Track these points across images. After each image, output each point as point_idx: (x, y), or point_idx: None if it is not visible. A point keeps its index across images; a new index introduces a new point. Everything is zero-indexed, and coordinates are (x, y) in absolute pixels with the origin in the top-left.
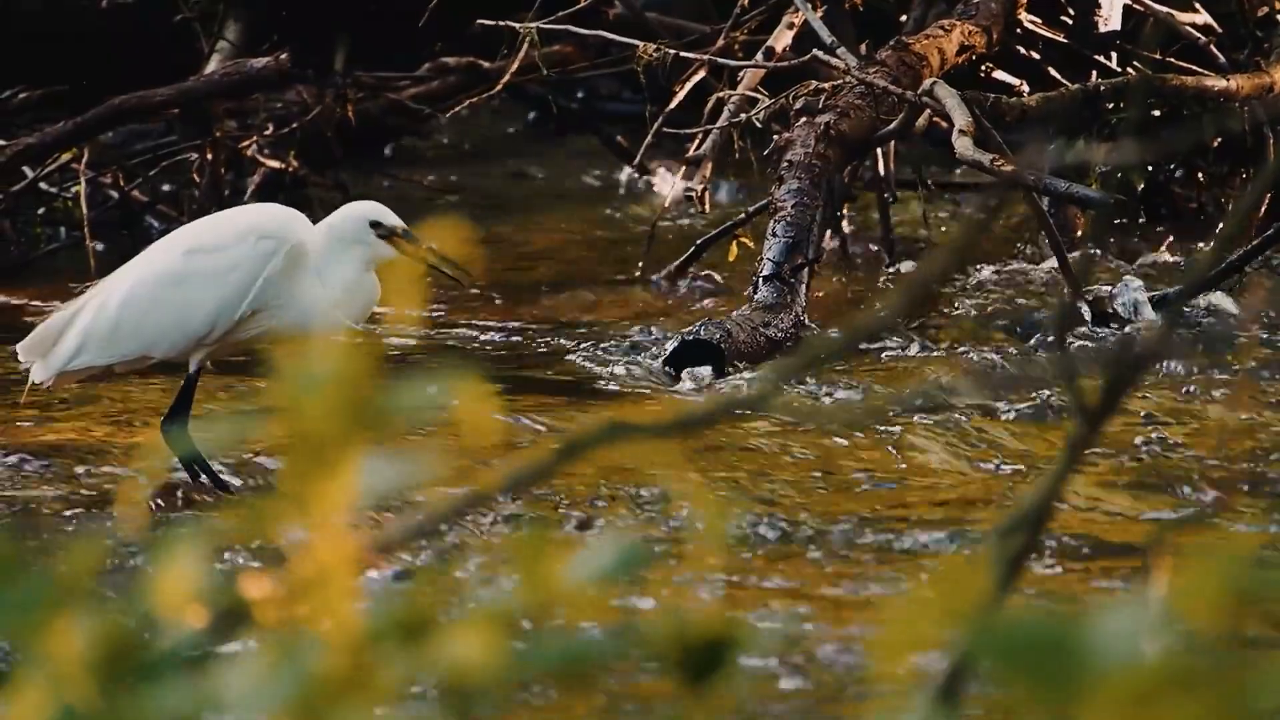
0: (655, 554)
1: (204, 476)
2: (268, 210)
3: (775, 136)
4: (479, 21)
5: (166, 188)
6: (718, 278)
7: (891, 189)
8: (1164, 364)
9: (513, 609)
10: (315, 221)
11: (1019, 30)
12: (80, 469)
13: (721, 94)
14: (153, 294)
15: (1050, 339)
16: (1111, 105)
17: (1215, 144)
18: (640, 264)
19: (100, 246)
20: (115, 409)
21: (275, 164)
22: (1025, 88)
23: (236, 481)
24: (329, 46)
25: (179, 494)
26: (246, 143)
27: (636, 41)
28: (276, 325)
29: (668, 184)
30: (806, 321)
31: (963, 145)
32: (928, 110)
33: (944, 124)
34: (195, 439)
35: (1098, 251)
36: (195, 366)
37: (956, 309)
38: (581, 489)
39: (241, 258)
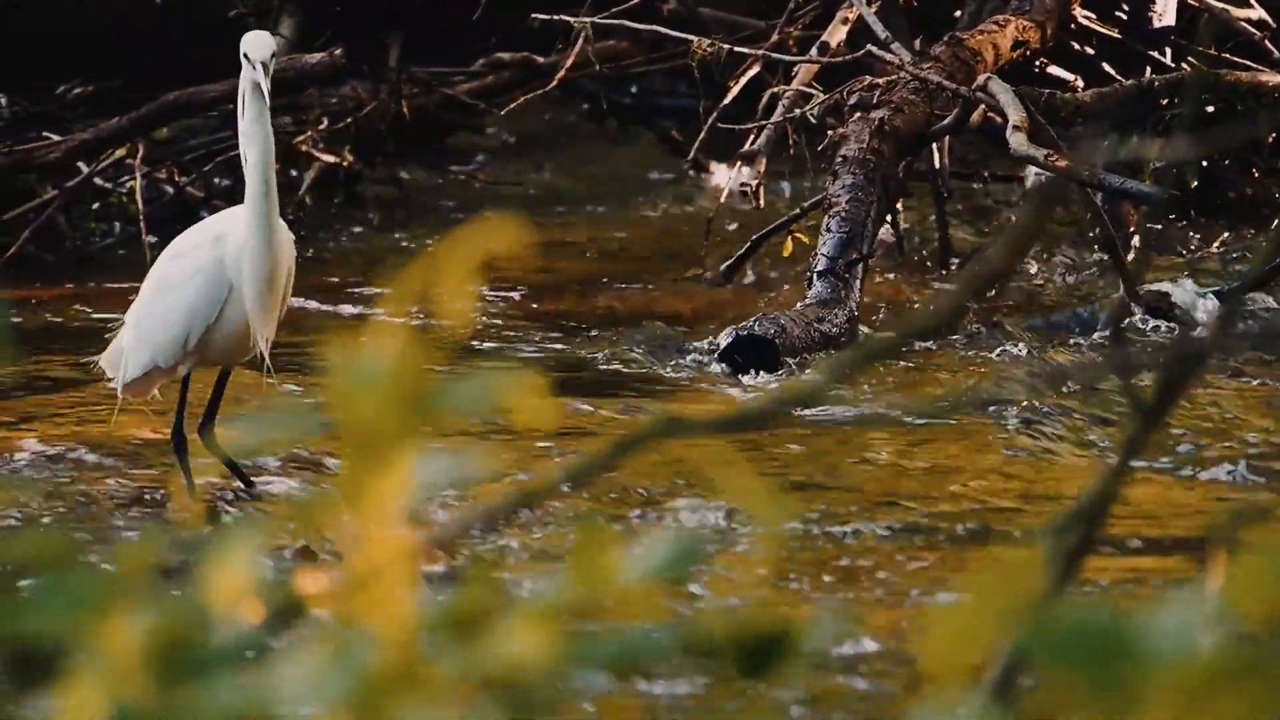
0: (710, 549)
1: (236, 477)
2: (234, 211)
3: (830, 132)
4: (533, 16)
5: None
6: (772, 273)
7: (946, 184)
8: (1220, 358)
9: (567, 604)
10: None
11: (1073, 25)
12: (138, 464)
13: (776, 89)
14: (146, 305)
15: (1106, 335)
16: (1166, 100)
17: (1270, 139)
18: (696, 260)
19: (154, 240)
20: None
21: (330, 159)
22: (1080, 83)
23: (279, 479)
24: (383, 41)
25: (233, 491)
26: (301, 138)
27: (691, 37)
28: (251, 305)
29: (722, 180)
30: (860, 316)
31: (1017, 141)
32: (982, 105)
33: (998, 119)
34: (224, 438)
35: (1153, 247)
36: (187, 371)
37: (1011, 304)
38: (637, 484)
39: (203, 262)
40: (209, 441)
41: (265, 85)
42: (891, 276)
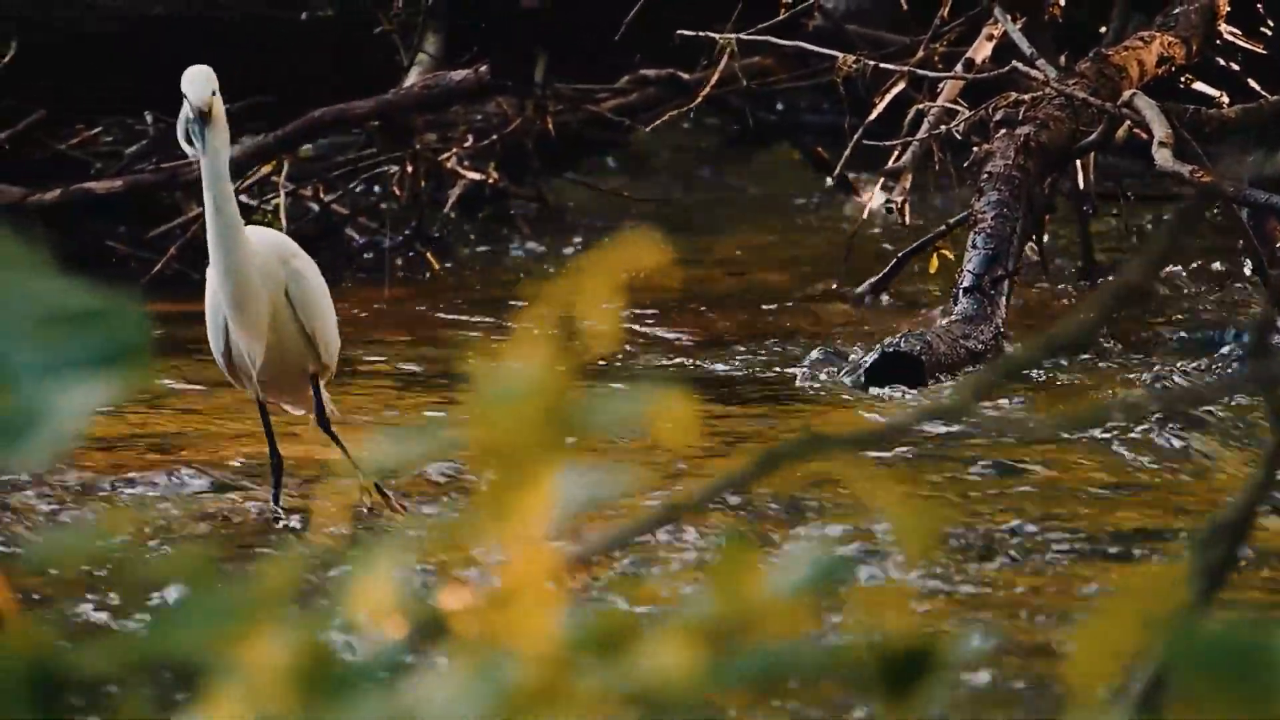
0: (855, 565)
1: (380, 494)
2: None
3: (975, 148)
4: (678, 32)
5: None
6: (918, 290)
7: (1091, 200)
8: None
9: (710, 621)
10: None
11: (1218, 41)
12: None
13: (921, 105)
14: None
15: (1250, 348)
16: None
17: None
18: (839, 276)
19: None
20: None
21: (475, 176)
22: (1225, 99)
23: (422, 496)
24: (529, 58)
25: (374, 508)
26: (446, 155)
27: (836, 53)
28: (231, 322)
29: (867, 196)
30: (1006, 333)
31: (1162, 157)
32: (1127, 121)
33: (1143, 135)
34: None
35: None
36: (253, 393)
37: (1155, 319)
38: (779, 499)
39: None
40: (323, 428)
41: (198, 130)
42: (1035, 292)
